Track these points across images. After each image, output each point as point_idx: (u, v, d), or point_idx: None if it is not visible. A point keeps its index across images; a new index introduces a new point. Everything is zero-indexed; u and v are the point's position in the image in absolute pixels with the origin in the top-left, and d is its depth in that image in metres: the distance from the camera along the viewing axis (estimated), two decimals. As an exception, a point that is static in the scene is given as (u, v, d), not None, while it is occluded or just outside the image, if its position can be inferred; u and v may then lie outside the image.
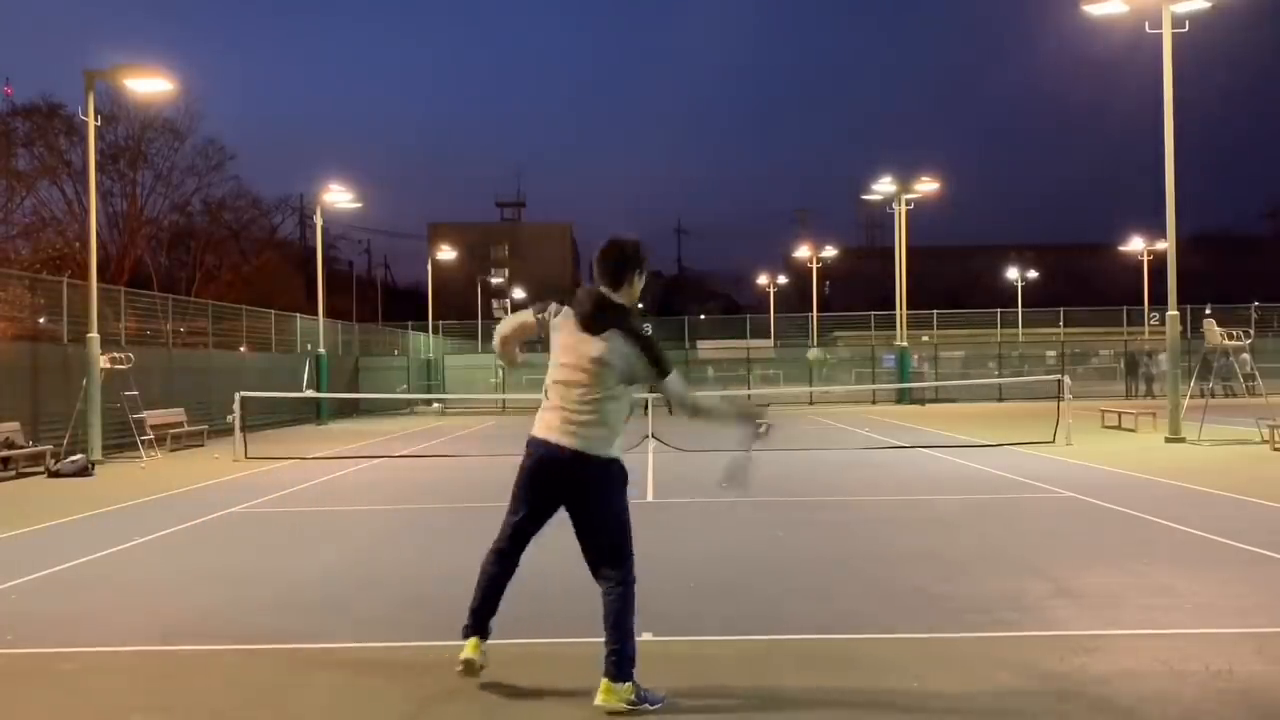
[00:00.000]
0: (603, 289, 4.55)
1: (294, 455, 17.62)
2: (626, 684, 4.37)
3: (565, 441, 4.45)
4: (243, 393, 17.98)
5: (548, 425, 4.51)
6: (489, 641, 4.76)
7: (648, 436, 18.39)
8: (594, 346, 4.43)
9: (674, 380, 4.55)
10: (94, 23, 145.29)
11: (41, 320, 20.54)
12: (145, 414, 18.82)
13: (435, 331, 49.60)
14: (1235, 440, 16.99)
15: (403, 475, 14.76)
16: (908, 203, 35.73)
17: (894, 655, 5.23)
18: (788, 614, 6.12)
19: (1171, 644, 5.32)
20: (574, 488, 4.51)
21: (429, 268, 51.64)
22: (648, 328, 4.54)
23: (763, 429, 4.75)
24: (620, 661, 4.39)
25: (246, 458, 16.78)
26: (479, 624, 4.72)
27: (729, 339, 46.24)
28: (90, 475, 15.09)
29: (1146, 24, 17.86)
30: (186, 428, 20.66)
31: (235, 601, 6.72)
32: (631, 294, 4.58)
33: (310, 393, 27.86)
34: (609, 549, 4.52)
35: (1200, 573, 7.04)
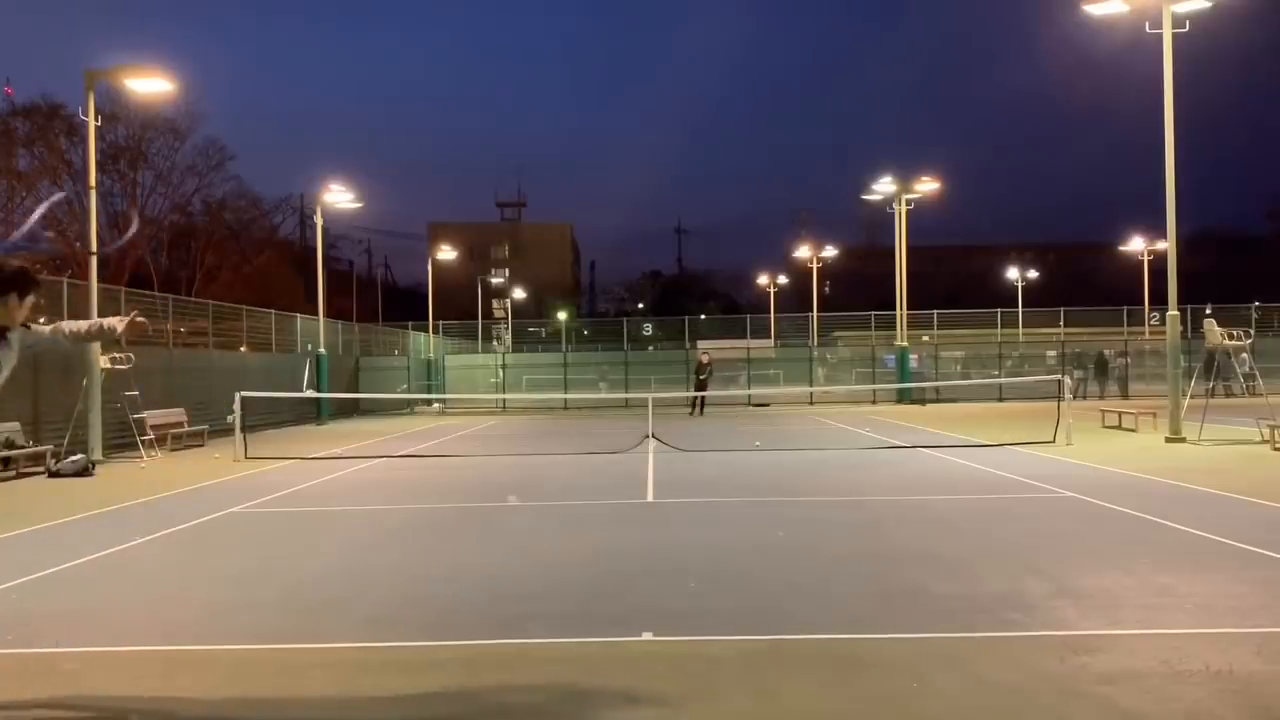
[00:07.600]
0: None
1: (294, 455, 17.61)
2: None
3: None
4: (243, 393, 17.98)
5: None
6: (496, 641, 4.76)
7: (648, 436, 18.40)
8: None
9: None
10: (94, 23, 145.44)
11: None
12: (146, 414, 18.83)
13: (435, 331, 49.52)
14: (1235, 440, 16.98)
15: (403, 475, 14.75)
16: (908, 203, 35.69)
17: (894, 655, 5.23)
18: (788, 613, 6.12)
19: (1171, 644, 5.32)
20: None
21: (429, 268, 51.59)
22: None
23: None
24: None
25: (247, 458, 16.77)
26: None
27: (729, 339, 46.16)
28: (90, 475, 15.08)
29: (1147, 24, 17.86)
30: (187, 428, 20.65)
31: (235, 601, 6.73)
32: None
33: (310, 393, 27.85)
34: None
35: (1200, 573, 7.04)
